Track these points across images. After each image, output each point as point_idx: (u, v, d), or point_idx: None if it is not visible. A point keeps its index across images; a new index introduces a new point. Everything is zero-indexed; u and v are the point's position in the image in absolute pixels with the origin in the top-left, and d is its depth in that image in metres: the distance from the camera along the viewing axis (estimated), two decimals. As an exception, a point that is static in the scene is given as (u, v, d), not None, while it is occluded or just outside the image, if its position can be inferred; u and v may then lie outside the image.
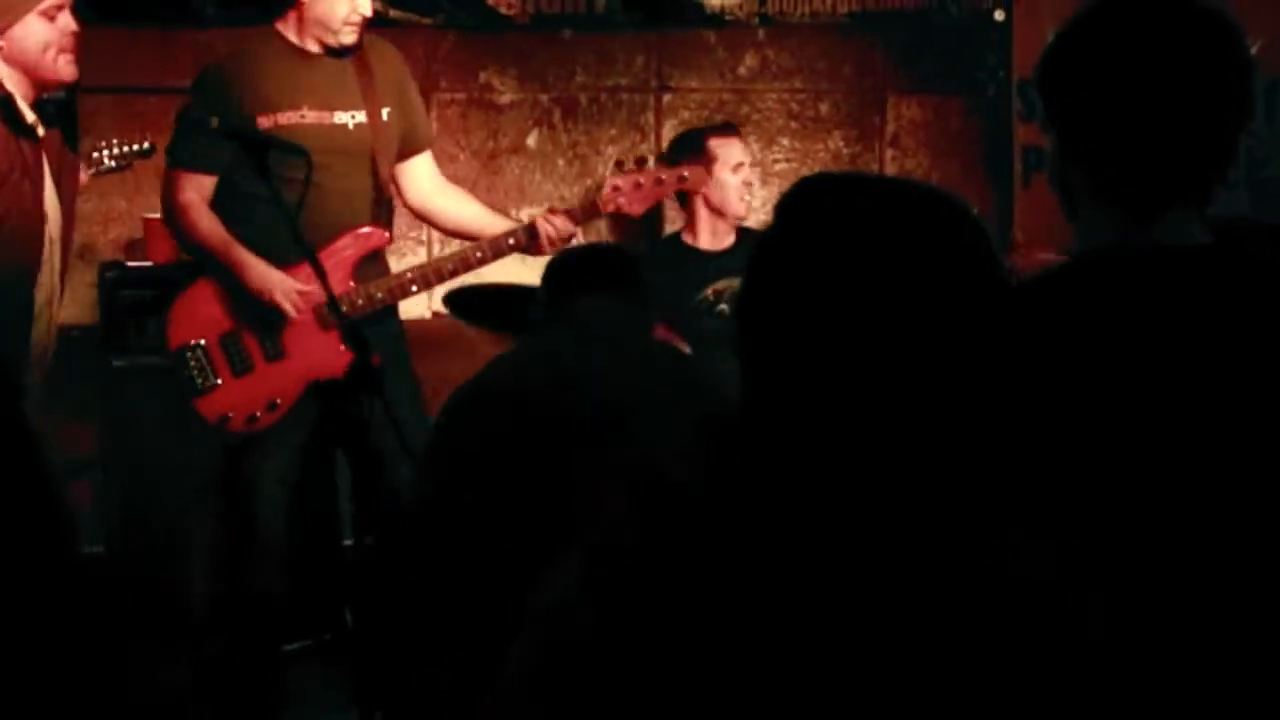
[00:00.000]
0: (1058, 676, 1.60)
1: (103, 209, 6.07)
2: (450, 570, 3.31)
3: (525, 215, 6.41)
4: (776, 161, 6.72)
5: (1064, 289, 2.18)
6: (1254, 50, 2.37)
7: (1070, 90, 2.20)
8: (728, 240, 5.79)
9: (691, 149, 5.74)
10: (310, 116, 4.87)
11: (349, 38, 4.90)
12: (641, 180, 5.14)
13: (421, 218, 5.40)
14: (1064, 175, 2.24)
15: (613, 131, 6.60)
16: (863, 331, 1.61)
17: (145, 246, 5.88)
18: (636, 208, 5.20)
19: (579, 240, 5.23)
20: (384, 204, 5.08)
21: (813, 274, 1.63)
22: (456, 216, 5.25)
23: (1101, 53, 2.17)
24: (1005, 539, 1.66)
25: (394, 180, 5.12)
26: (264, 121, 4.82)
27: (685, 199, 5.77)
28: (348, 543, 5.13)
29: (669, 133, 6.60)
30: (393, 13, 6.36)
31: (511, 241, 5.03)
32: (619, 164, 5.24)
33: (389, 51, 5.13)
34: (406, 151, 5.14)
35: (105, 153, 5.26)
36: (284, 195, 4.43)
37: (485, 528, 3.25)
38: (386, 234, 5.09)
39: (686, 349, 5.31)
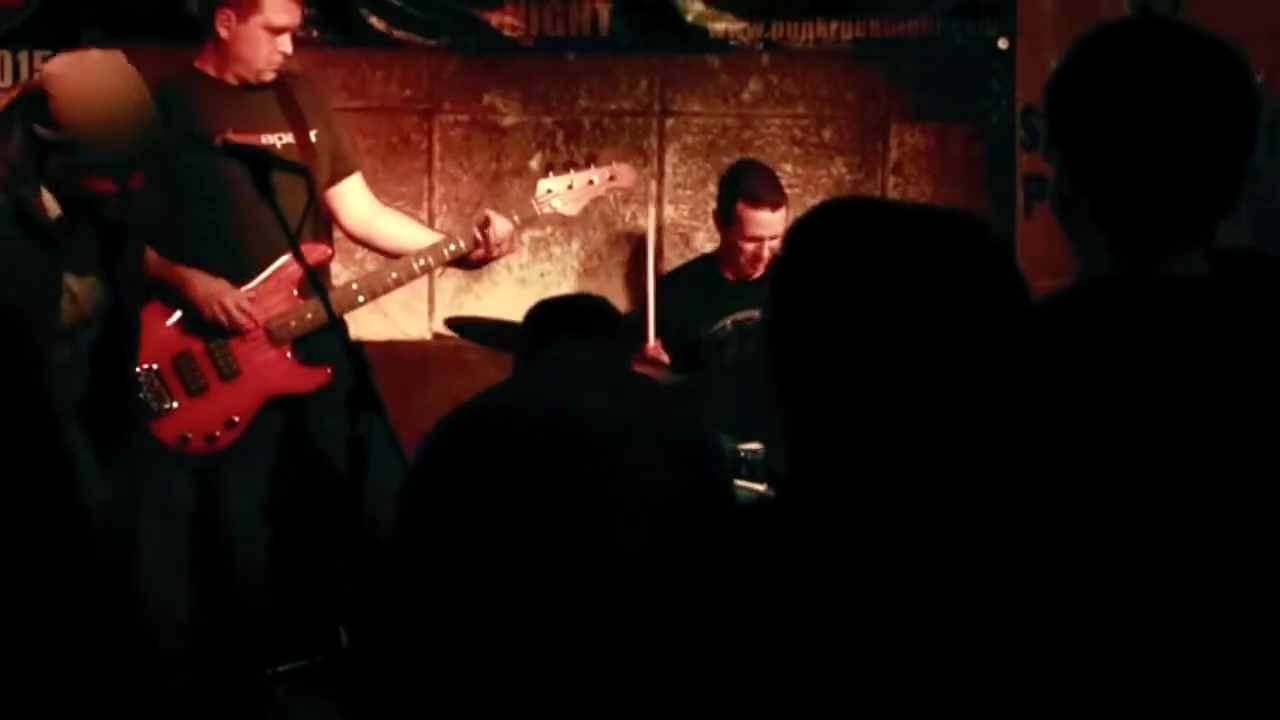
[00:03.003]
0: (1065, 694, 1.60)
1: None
2: (438, 598, 3.31)
3: (527, 238, 6.44)
4: (779, 187, 6.71)
5: (1061, 317, 2.17)
6: (1259, 78, 2.37)
7: (1074, 119, 2.20)
8: (758, 271, 5.82)
9: (726, 207, 5.83)
10: (236, 139, 4.89)
11: (269, 76, 4.99)
12: (573, 183, 5.25)
13: (361, 242, 5.43)
14: (1066, 203, 2.23)
15: (615, 155, 6.59)
16: (882, 357, 1.60)
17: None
18: (571, 208, 5.33)
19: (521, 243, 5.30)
20: (322, 220, 5.12)
21: (829, 302, 1.63)
22: (396, 237, 5.29)
23: (1107, 82, 2.17)
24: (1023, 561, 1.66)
25: (328, 207, 5.16)
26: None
27: (726, 218, 5.78)
28: (341, 563, 5.12)
29: (671, 156, 6.60)
30: (396, 34, 6.37)
31: (452, 248, 5.09)
32: (548, 167, 5.36)
33: (309, 76, 5.22)
34: (337, 175, 5.18)
35: None
36: (220, 214, 4.51)
37: (473, 555, 3.25)
38: (329, 249, 5.13)
39: (667, 373, 5.34)
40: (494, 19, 6.45)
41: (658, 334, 5.60)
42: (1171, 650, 2.04)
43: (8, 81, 6.24)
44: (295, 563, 5.21)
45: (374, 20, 6.38)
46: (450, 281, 6.35)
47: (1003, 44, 6.57)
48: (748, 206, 5.75)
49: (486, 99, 6.57)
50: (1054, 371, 2.10)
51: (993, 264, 1.68)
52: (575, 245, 6.58)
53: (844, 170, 6.72)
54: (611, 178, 5.38)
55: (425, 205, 6.34)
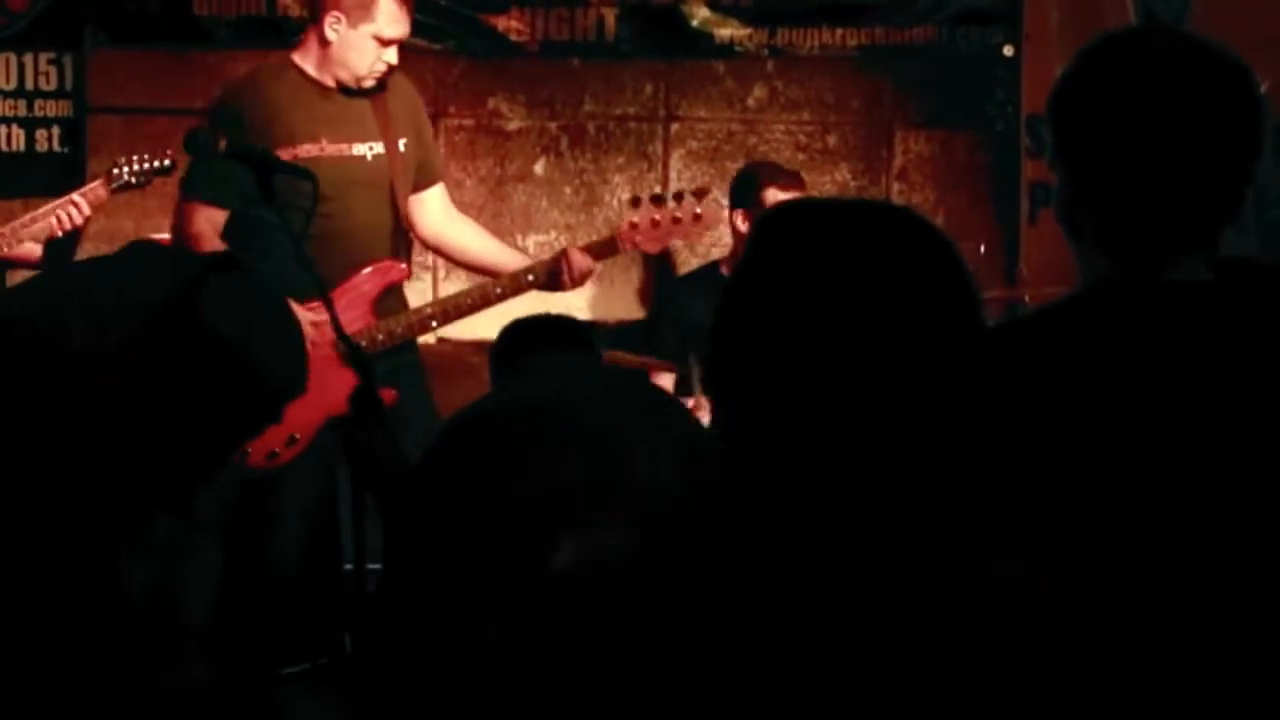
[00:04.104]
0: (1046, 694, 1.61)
1: (109, 229, 6.06)
2: (445, 598, 3.31)
3: (532, 242, 6.44)
4: (783, 193, 6.71)
5: (1066, 322, 2.17)
6: (1264, 88, 2.36)
7: (1077, 129, 2.20)
8: None
9: (748, 193, 5.76)
10: (329, 149, 4.86)
11: (370, 83, 4.91)
12: (658, 218, 5.16)
13: (434, 249, 5.40)
14: (1071, 211, 2.23)
15: (620, 160, 6.60)
16: (828, 355, 1.61)
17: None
18: (653, 246, 5.23)
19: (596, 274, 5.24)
20: (402, 236, 5.07)
21: (781, 299, 1.63)
22: (468, 248, 5.25)
23: (1111, 91, 2.17)
24: (989, 560, 1.66)
25: (407, 213, 5.11)
26: (283, 154, 4.80)
27: (752, 207, 5.78)
28: (348, 567, 5.12)
29: (676, 162, 6.61)
30: (402, 38, 6.36)
31: (531, 278, 5.03)
32: (635, 200, 5.24)
33: (404, 84, 5.11)
34: (421, 184, 5.13)
35: (126, 169, 5.22)
36: (297, 225, 4.43)
37: (482, 556, 3.25)
38: (406, 268, 5.09)
39: (668, 379, 5.34)
40: (499, 23, 6.46)
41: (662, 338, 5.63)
42: (1170, 653, 2.04)
43: (12, 84, 6.25)
44: (309, 567, 5.20)
45: (380, 24, 6.39)
46: (456, 285, 6.35)
47: (1008, 51, 6.57)
48: (777, 189, 5.68)
49: (491, 103, 6.57)
50: (1057, 375, 2.10)
51: (938, 258, 1.68)
52: (579, 250, 6.58)
53: (848, 176, 6.72)
54: (697, 216, 5.26)
55: (430, 209, 6.34)
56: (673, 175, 6.57)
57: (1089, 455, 2.07)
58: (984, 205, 6.67)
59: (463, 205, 6.33)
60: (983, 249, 6.36)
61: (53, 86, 6.27)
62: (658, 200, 5.21)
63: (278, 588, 4.99)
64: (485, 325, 6.49)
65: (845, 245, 1.66)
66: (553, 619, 1.66)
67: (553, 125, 6.62)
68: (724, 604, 1.59)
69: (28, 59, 6.28)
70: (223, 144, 4.47)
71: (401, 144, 4.99)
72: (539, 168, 6.57)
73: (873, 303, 1.62)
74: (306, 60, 4.93)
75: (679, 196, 5.25)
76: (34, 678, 2.00)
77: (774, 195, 5.66)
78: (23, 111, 6.28)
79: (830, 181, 6.67)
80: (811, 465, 1.61)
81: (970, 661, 1.59)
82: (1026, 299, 5.91)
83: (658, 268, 5.97)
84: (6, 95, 6.27)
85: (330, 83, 4.92)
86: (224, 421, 2.29)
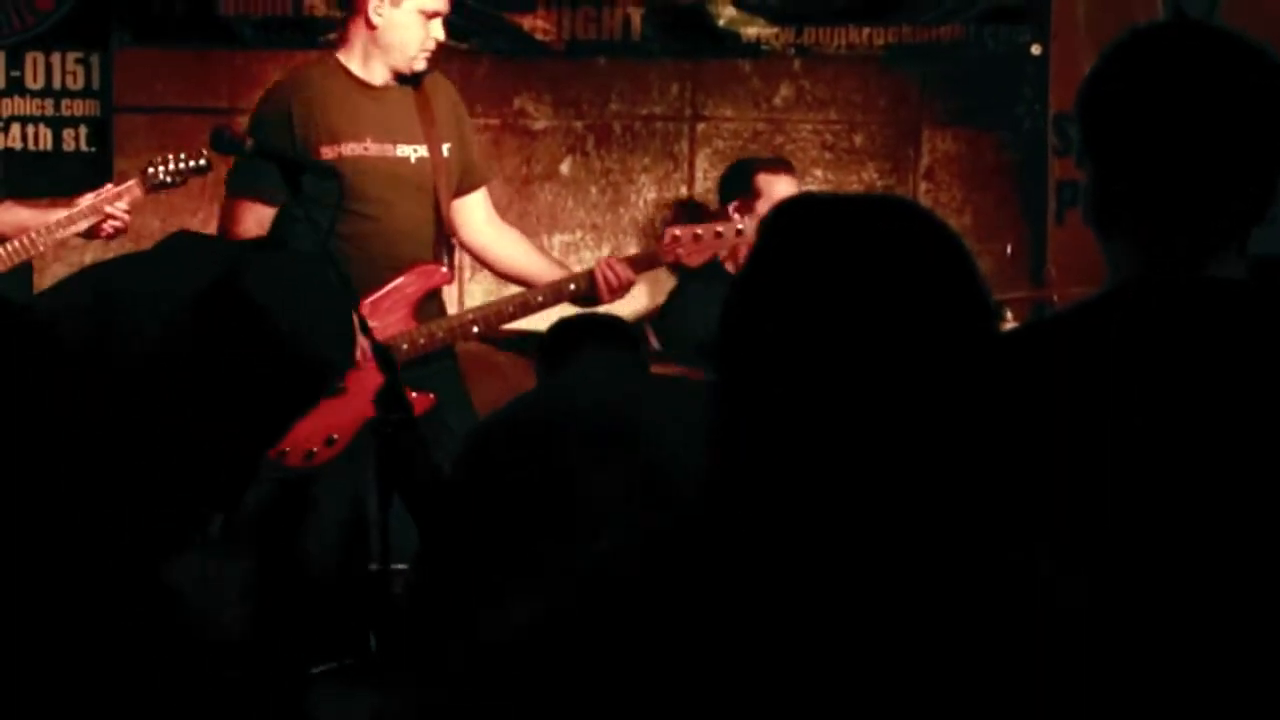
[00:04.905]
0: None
1: (135, 225, 6.07)
2: (479, 597, 3.31)
3: (558, 242, 6.44)
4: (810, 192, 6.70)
5: (1098, 320, 2.16)
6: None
7: (1105, 126, 2.19)
8: None
9: (740, 183, 5.82)
10: (373, 149, 4.86)
11: (421, 64, 4.91)
12: (700, 232, 5.17)
13: (475, 255, 5.39)
14: (1099, 209, 2.22)
15: (646, 160, 6.60)
16: (834, 351, 1.60)
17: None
18: (695, 259, 5.24)
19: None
20: (444, 240, 5.07)
21: (786, 295, 1.63)
22: (510, 257, 5.25)
23: (1140, 87, 2.15)
24: (1009, 558, 1.65)
25: (449, 217, 5.11)
26: (327, 152, 4.81)
27: (747, 196, 5.85)
28: (373, 567, 5.12)
29: (702, 161, 6.60)
30: (428, 37, 6.37)
31: (572, 288, 5.03)
32: (675, 210, 5.27)
33: (448, 86, 5.12)
34: (464, 188, 5.13)
35: (162, 169, 5.22)
36: (344, 227, 4.45)
37: (522, 557, 3.25)
38: (448, 272, 5.09)
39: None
40: (525, 22, 6.46)
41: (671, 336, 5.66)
42: (1198, 652, 2.03)
43: (39, 83, 6.27)
44: (339, 569, 5.20)
45: (405, 24, 6.40)
46: (480, 285, 6.35)
47: (1035, 49, 6.55)
48: (769, 175, 5.80)
49: (517, 103, 6.57)
50: (1089, 373, 2.09)
51: (945, 253, 1.67)
52: (606, 250, 6.58)
53: (875, 176, 6.71)
54: (739, 232, 5.28)
55: (456, 209, 6.34)
56: (698, 175, 6.57)
57: (1120, 455, 2.06)
58: (1011, 204, 6.65)
59: (488, 204, 6.34)
60: (1010, 249, 6.34)
61: (79, 86, 6.29)
62: (696, 210, 5.25)
63: (309, 588, 4.98)
64: (510, 327, 6.51)
65: (850, 241, 1.65)
66: (567, 621, 1.65)
67: (579, 125, 6.61)
68: (728, 607, 1.59)
69: (55, 59, 6.30)
70: (249, 142, 4.48)
71: (445, 148, 4.99)
72: (565, 167, 6.57)
73: (879, 298, 1.61)
74: (351, 58, 4.94)
75: (721, 213, 5.29)
76: (75, 675, 2.00)
77: (766, 180, 5.76)
78: (50, 111, 6.30)
79: (857, 180, 6.66)
80: (817, 462, 1.61)
81: (980, 667, 1.58)
82: (1054, 299, 5.88)
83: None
84: (34, 95, 6.29)
85: (378, 80, 4.92)
86: (274, 398, 2.29)
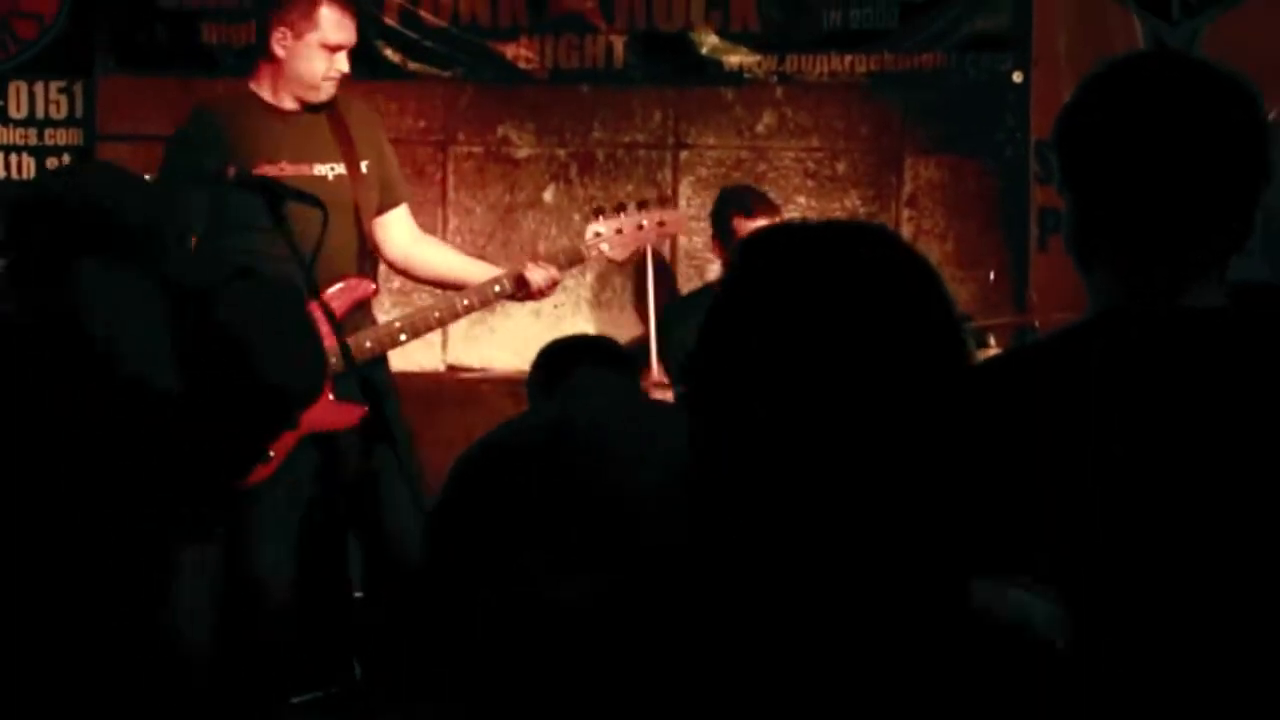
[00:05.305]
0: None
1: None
2: (473, 624, 3.31)
3: (540, 270, 6.44)
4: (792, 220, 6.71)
5: (1077, 348, 2.17)
6: (1271, 116, 2.36)
7: (1083, 157, 2.19)
8: None
9: (720, 220, 5.97)
10: (289, 169, 4.90)
11: (326, 94, 4.97)
12: (622, 227, 5.22)
13: (401, 271, 5.42)
14: (1079, 239, 2.23)
15: (629, 187, 6.61)
16: (808, 377, 1.61)
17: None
18: (619, 253, 5.32)
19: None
20: (367, 255, 5.11)
21: (759, 324, 1.64)
22: (436, 267, 5.30)
23: (1117, 116, 2.16)
24: (968, 586, 1.66)
25: (372, 236, 5.15)
26: None
27: (725, 238, 5.90)
28: (358, 595, 5.11)
29: (685, 189, 6.61)
30: (411, 65, 6.39)
31: (498, 289, 5.09)
32: (598, 211, 5.31)
33: (362, 107, 5.20)
34: (385, 205, 5.18)
35: None
36: (261, 247, 4.48)
37: (509, 582, 3.25)
38: (373, 285, 5.12)
39: (671, 394, 5.37)
40: (509, 51, 6.47)
41: (660, 360, 5.65)
42: (1177, 675, 2.03)
43: (23, 112, 6.27)
44: (313, 594, 5.19)
45: (389, 52, 6.42)
46: (428, 296, 6.34)
47: (1017, 77, 6.57)
48: (742, 219, 5.84)
49: (501, 131, 6.58)
50: (1069, 401, 2.09)
51: (916, 279, 1.68)
52: (589, 277, 6.59)
53: (858, 203, 6.72)
54: (661, 223, 5.35)
55: (439, 236, 6.33)
56: (682, 202, 6.58)
57: (1100, 483, 2.06)
58: (993, 231, 6.67)
59: (471, 232, 6.36)
60: (992, 275, 6.36)
61: (63, 115, 6.29)
62: (621, 209, 5.28)
63: (276, 611, 4.98)
64: (496, 356, 6.52)
65: (822, 266, 1.66)
66: (551, 649, 1.66)
67: (562, 153, 6.63)
68: (708, 633, 1.60)
69: (38, 88, 6.30)
70: (231, 172, 4.49)
71: (364, 165, 5.06)
72: (548, 195, 6.58)
73: (850, 325, 1.62)
74: (262, 86, 5.03)
75: (643, 205, 5.34)
76: (73, 675, 2.00)
77: (741, 223, 5.81)
78: (33, 140, 6.31)
79: (840, 208, 6.67)
80: (794, 487, 1.61)
81: (956, 690, 1.59)
82: (1036, 324, 5.90)
83: (657, 290, 5.97)
84: (17, 124, 6.30)
85: (288, 105, 4.99)
86: (239, 424, 2.29)
